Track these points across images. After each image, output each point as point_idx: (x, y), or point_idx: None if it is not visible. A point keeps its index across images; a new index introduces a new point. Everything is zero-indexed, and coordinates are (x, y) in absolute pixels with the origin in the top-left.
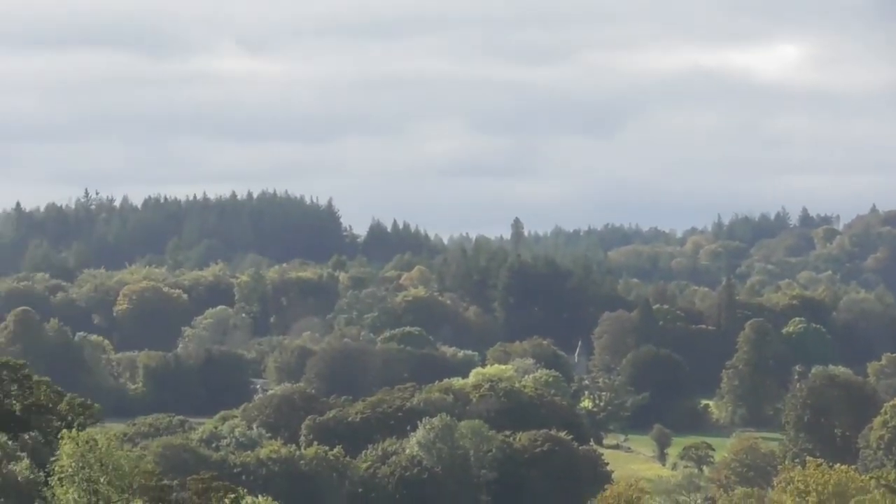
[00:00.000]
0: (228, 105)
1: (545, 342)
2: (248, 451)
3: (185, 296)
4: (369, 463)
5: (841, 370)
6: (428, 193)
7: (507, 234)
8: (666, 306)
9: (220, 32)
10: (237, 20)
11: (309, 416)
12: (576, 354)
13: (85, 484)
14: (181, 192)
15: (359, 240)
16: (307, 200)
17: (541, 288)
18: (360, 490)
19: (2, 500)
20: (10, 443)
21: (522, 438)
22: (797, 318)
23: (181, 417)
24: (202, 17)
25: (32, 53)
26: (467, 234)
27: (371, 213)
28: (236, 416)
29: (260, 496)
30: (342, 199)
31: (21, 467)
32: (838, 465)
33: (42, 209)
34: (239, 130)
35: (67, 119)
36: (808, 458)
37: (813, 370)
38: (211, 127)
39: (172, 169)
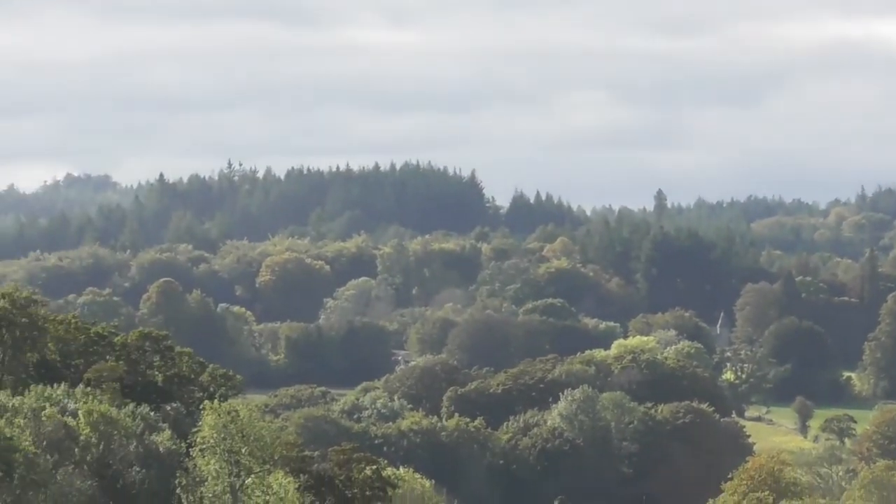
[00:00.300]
0: (371, 75)
1: (687, 314)
2: (390, 423)
3: (327, 267)
4: (510, 434)
5: None
6: (571, 164)
7: (650, 206)
8: (809, 278)
9: (362, 3)
10: None
11: (450, 388)
12: (718, 326)
13: (226, 455)
14: (324, 163)
15: (501, 211)
16: (450, 171)
17: (683, 259)
18: (500, 462)
19: (143, 470)
20: (151, 414)
21: (664, 410)
22: None
23: (323, 389)
24: None
25: (175, 24)
26: (610, 205)
27: (514, 184)
28: (378, 388)
29: (401, 467)
30: (485, 170)
31: (163, 438)
32: None
33: (185, 180)
34: (382, 101)
35: (211, 90)
36: None
37: None
38: (354, 97)
39: (315, 139)
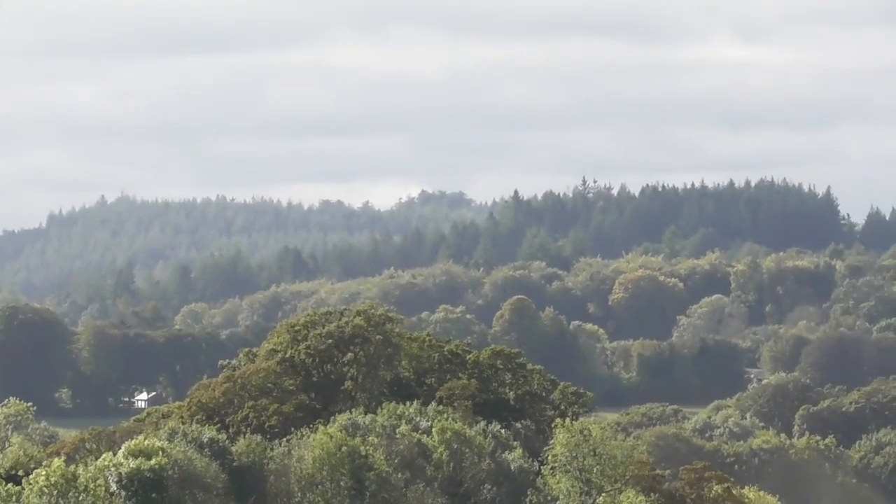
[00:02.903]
0: (724, 93)
1: None
2: (741, 441)
3: (680, 284)
4: (863, 453)
5: None
6: None
7: None
8: None
9: (715, 21)
10: (731, 8)
11: (803, 406)
12: None
13: (577, 473)
14: (678, 179)
15: (856, 228)
16: (805, 188)
17: None
18: (853, 480)
19: (494, 488)
20: (502, 431)
21: None
22: None
23: (675, 407)
24: (697, 6)
25: (525, 40)
26: None
27: (869, 201)
28: (730, 406)
29: (750, 486)
30: (838, 187)
31: (514, 456)
32: None
33: (539, 197)
34: (735, 118)
35: (564, 107)
36: None
37: None
38: (707, 114)
39: (669, 156)
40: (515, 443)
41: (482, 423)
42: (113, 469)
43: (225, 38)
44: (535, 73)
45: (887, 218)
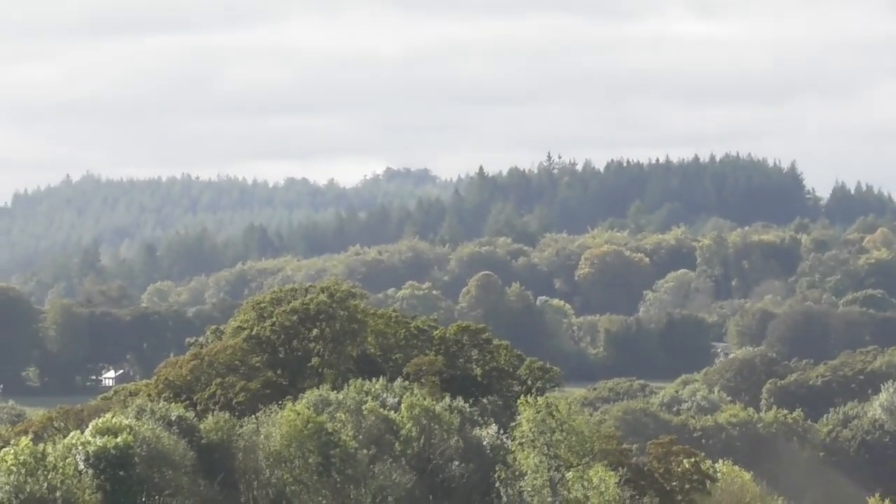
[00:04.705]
0: (682, 67)
1: None
2: (708, 416)
3: (646, 259)
4: (830, 427)
5: None
6: (888, 155)
7: None
8: None
9: None
10: None
11: (770, 380)
12: None
13: (545, 448)
14: (642, 154)
15: (821, 202)
16: (769, 163)
17: None
18: (821, 454)
19: (463, 464)
20: (467, 407)
21: None
22: None
23: (642, 381)
24: None
25: (482, 18)
26: None
27: (833, 175)
28: (697, 380)
29: (720, 460)
30: (802, 161)
31: (488, 432)
32: None
33: (504, 173)
34: (695, 93)
35: (526, 83)
36: None
37: None
38: (667, 89)
39: (632, 131)
40: (490, 419)
41: (447, 399)
42: (81, 447)
43: (183, 18)
44: (496, 49)
45: (852, 192)
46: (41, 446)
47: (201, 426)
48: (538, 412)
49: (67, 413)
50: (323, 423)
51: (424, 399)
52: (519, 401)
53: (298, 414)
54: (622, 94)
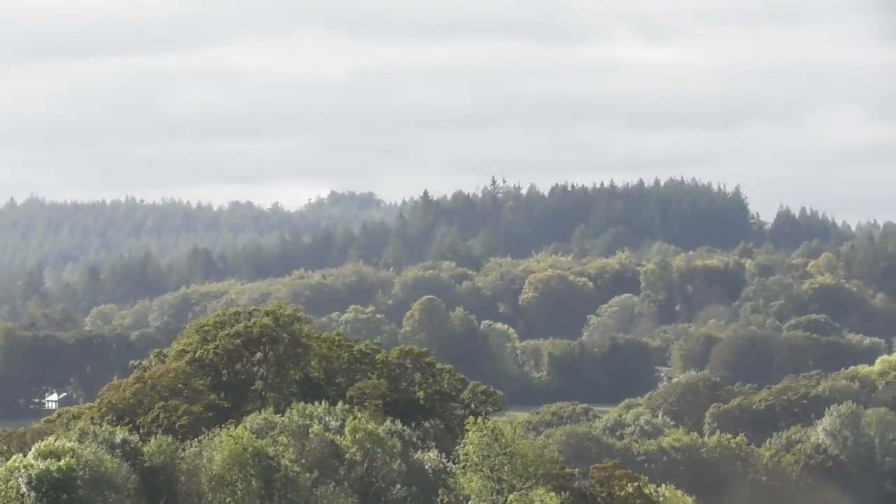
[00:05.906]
0: (628, 92)
1: None
2: (652, 440)
3: (590, 284)
4: (773, 451)
5: None
6: (835, 180)
7: None
8: None
9: (616, 20)
10: (632, 8)
11: (713, 404)
12: None
13: (489, 472)
14: (587, 179)
15: (766, 227)
16: (714, 187)
17: None
18: (763, 478)
19: (405, 487)
20: (408, 431)
21: None
22: None
23: (585, 405)
24: (598, 5)
25: (428, 42)
26: (875, 220)
27: (777, 200)
28: (640, 405)
29: (663, 484)
30: (747, 186)
31: (430, 456)
32: None
33: (449, 197)
34: (641, 117)
35: (470, 107)
36: None
37: None
38: (614, 114)
39: (577, 156)
40: (433, 443)
41: (388, 423)
42: (23, 470)
43: (128, 41)
44: (441, 73)
45: (797, 217)
46: None
47: (144, 449)
48: (484, 435)
49: (10, 436)
50: (263, 448)
51: (367, 423)
52: (466, 423)
53: (237, 439)
54: (567, 119)
